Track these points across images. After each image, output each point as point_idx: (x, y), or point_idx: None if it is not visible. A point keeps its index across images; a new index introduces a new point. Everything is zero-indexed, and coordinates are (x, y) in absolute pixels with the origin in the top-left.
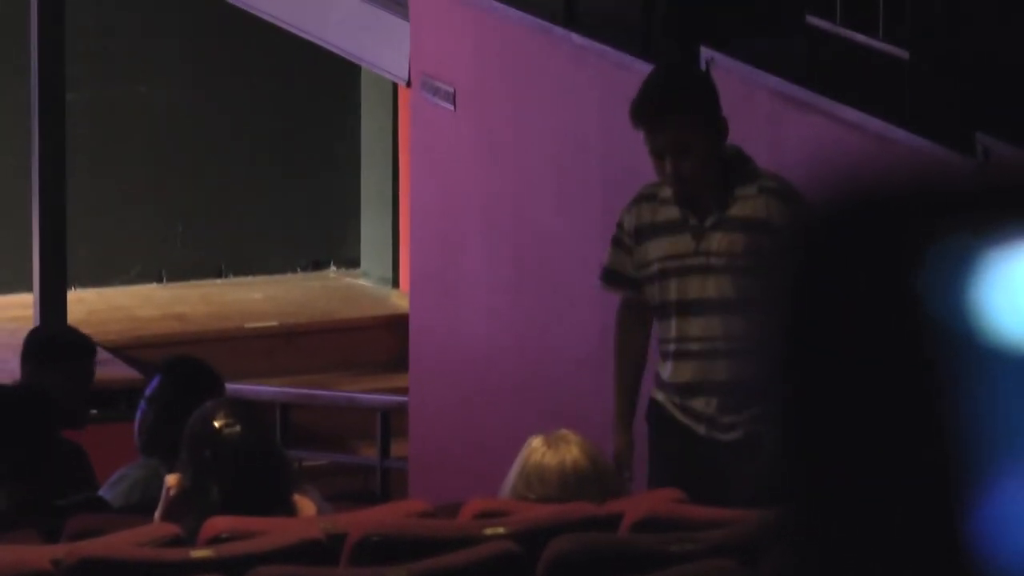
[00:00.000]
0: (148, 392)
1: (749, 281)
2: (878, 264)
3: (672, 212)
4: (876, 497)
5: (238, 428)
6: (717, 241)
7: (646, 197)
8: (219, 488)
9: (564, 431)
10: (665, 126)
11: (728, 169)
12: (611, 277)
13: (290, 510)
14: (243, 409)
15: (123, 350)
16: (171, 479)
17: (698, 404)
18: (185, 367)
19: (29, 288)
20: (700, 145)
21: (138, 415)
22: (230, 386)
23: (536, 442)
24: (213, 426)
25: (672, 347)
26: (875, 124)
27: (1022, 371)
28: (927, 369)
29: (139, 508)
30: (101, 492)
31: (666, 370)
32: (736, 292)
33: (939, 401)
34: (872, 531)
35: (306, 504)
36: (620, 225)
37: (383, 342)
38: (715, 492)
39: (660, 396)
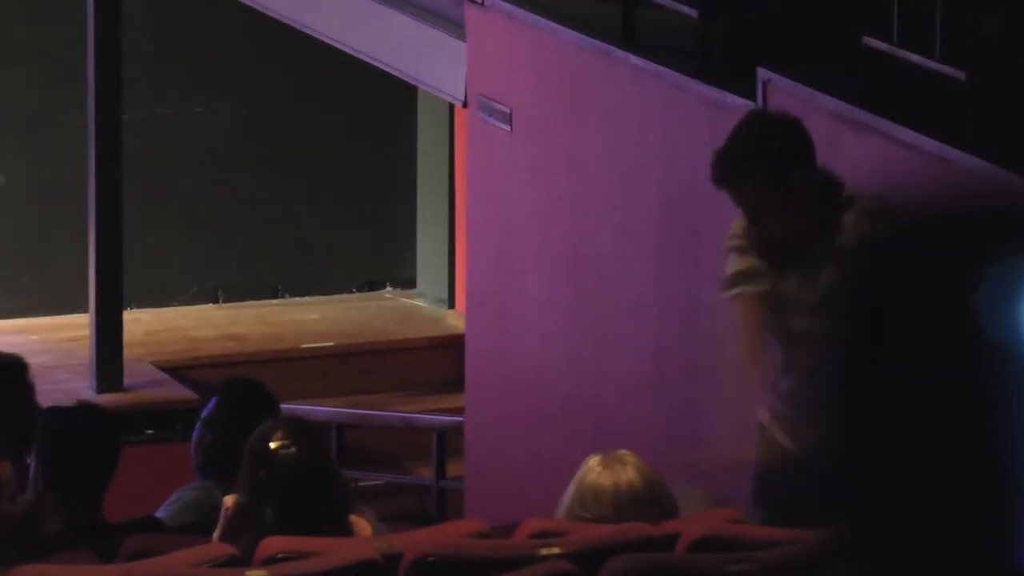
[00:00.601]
0: (205, 414)
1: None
2: (939, 283)
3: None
4: (932, 514)
5: (294, 449)
6: (825, 277)
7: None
8: (274, 508)
9: (622, 452)
10: (729, 194)
11: (823, 202)
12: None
13: (346, 530)
14: (300, 429)
15: (179, 370)
16: (228, 500)
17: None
18: (242, 388)
19: (86, 309)
20: (774, 205)
21: (195, 436)
22: (286, 406)
23: (593, 462)
24: (269, 446)
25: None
26: (932, 145)
27: None
28: (984, 386)
29: (194, 529)
30: (158, 513)
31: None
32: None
33: (995, 418)
34: (928, 549)
35: (362, 524)
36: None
37: (439, 362)
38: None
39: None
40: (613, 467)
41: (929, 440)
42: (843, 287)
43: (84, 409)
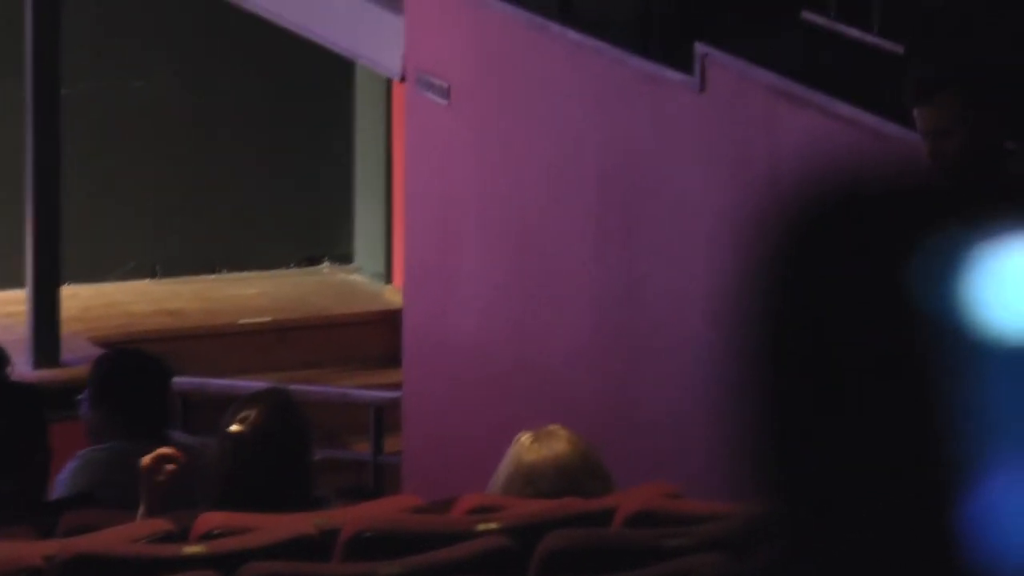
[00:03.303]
0: (89, 388)
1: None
2: (868, 258)
3: None
4: (864, 492)
5: (250, 422)
6: None
7: None
8: (231, 486)
9: (553, 426)
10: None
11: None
12: None
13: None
14: (272, 408)
15: (117, 345)
16: (146, 460)
17: None
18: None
19: (23, 284)
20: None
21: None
22: (222, 382)
23: (525, 438)
24: (231, 427)
25: None
26: (870, 119)
27: (1012, 365)
28: (917, 362)
29: (108, 490)
30: (60, 476)
31: None
32: None
33: (929, 395)
34: (860, 526)
35: None
36: None
37: (376, 338)
38: None
39: None
40: (545, 441)
41: (861, 416)
42: (772, 261)
43: (11, 384)
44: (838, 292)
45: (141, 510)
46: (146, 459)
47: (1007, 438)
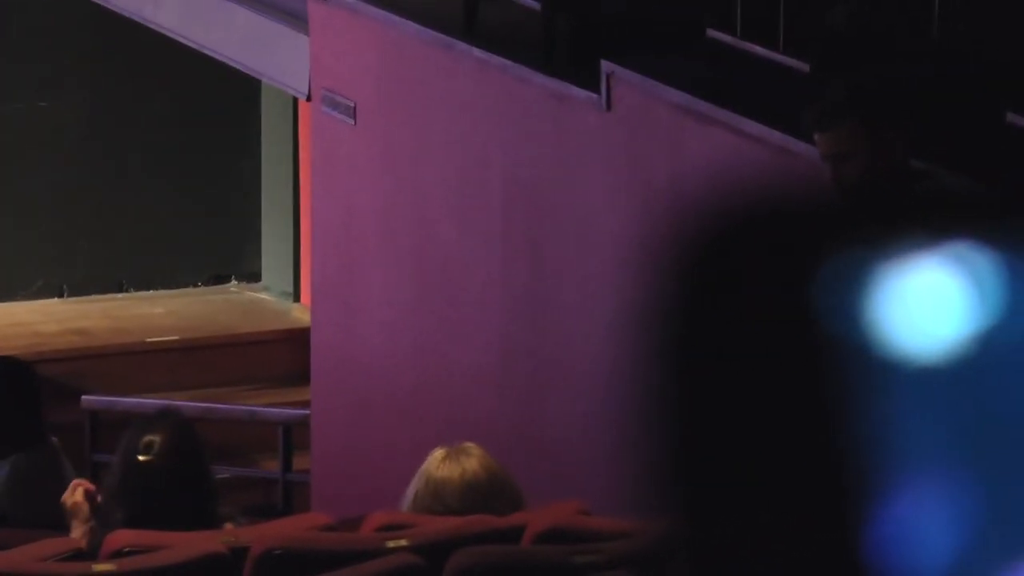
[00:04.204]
0: None
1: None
2: (772, 278)
3: None
4: (769, 513)
5: (159, 454)
6: None
7: None
8: (133, 510)
9: (466, 444)
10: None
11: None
12: None
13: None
14: (172, 433)
15: None
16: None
17: None
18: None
19: None
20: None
21: None
22: (130, 400)
23: (437, 455)
24: (135, 454)
25: None
26: (776, 137)
27: (916, 384)
28: (822, 383)
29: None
30: None
31: None
32: None
33: (833, 415)
34: (766, 548)
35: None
36: None
37: (284, 356)
38: None
39: None
40: (457, 459)
41: (766, 437)
42: (674, 279)
43: None
44: (741, 313)
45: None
46: (66, 497)
47: (913, 459)
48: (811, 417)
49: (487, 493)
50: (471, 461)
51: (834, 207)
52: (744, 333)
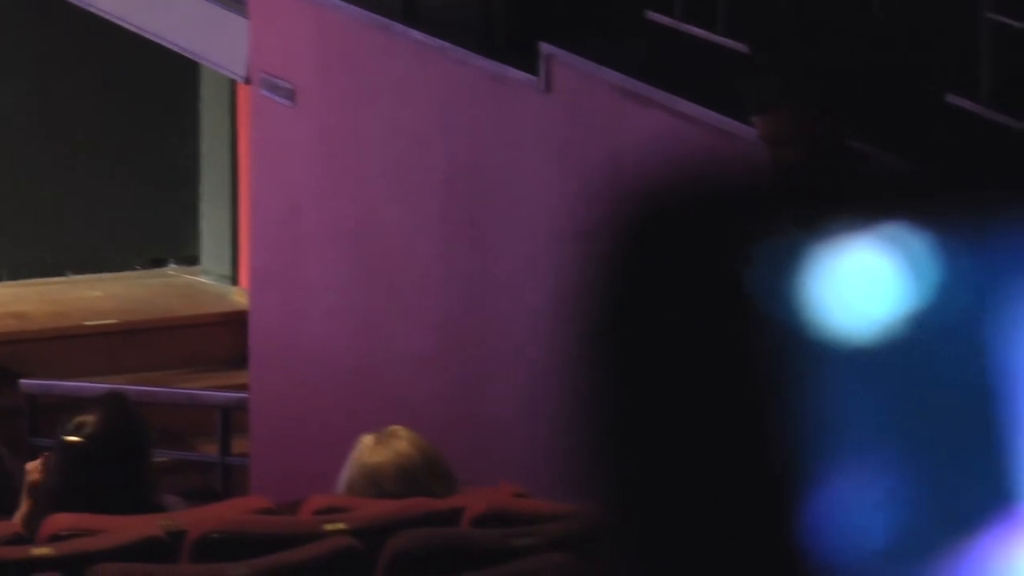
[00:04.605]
0: None
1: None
2: (706, 258)
3: None
4: (701, 497)
5: (88, 431)
6: None
7: None
8: (68, 491)
9: (394, 427)
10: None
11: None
12: None
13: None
14: (110, 413)
15: None
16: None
17: None
18: None
19: None
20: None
21: None
22: (69, 384)
23: (367, 440)
24: (66, 436)
25: None
26: (715, 118)
27: (851, 366)
28: (756, 365)
29: None
30: None
31: None
32: None
33: (768, 398)
34: (698, 532)
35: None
36: None
37: (223, 339)
38: None
39: None
40: (387, 442)
41: (699, 420)
42: (607, 260)
43: None
44: (675, 294)
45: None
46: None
47: (846, 440)
48: (744, 399)
49: (422, 473)
50: (402, 443)
51: (768, 188)
52: (676, 315)
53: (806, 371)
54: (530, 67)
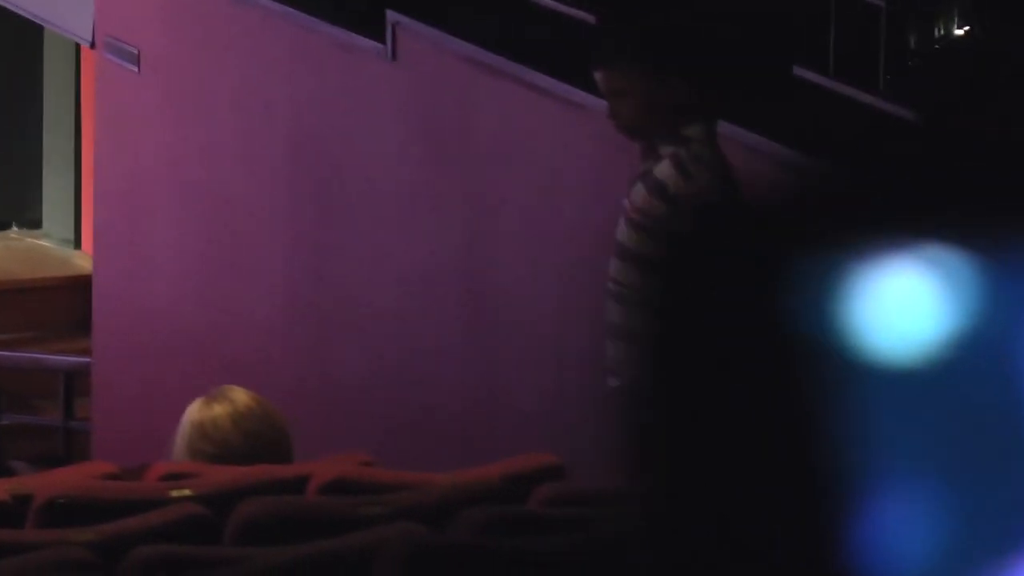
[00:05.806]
0: None
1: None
2: (748, 279)
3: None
4: (747, 518)
5: None
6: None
7: None
8: None
9: (225, 386)
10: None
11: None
12: None
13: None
14: None
15: None
16: None
17: None
18: None
19: None
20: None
21: None
22: None
23: (198, 402)
24: None
25: None
26: (565, 89)
27: (892, 387)
28: (797, 386)
29: None
30: None
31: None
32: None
33: (810, 419)
34: (742, 553)
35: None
36: None
37: (66, 303)
38: None
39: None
40: (217, 398)
41: (741, 441)
42: (653, 278)
43: None
44: (717, 312)
45: None
46: None
47: (888, 461)
48: (786, 420)
49: (254, 423)
50: (236, 394)
51: (810, 208)
52: (720, 334)
53: (846, 392)
54: (378, 35)
